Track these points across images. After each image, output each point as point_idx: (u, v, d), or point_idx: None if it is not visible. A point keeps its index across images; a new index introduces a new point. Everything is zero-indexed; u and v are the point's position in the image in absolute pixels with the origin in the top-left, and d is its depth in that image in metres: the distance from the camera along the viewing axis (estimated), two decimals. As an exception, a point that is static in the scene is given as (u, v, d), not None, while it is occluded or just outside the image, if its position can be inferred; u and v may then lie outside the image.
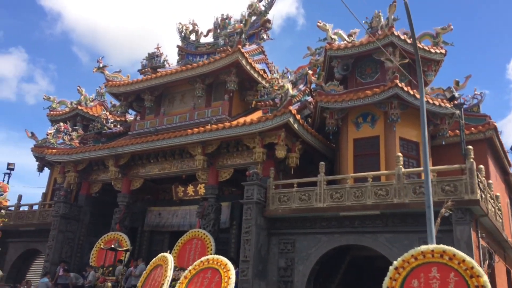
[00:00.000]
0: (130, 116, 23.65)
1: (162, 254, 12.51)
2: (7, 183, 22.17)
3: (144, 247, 20.10)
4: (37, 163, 23.76)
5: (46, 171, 23.98)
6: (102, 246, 16.01)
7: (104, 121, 21.13)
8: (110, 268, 16.12)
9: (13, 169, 23.29)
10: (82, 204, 20.06)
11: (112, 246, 15.17)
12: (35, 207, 22.03)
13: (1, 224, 20.28)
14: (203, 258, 12.02)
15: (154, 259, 12.71)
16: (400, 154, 13.13)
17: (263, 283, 13.95)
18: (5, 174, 21.74)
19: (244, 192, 14.61)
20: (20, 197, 22.28)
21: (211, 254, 15.06)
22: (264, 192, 14.71)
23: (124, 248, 15.56)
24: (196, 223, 18.43)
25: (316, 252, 13.66)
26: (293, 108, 14.98)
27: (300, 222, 14.17)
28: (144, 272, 12.60)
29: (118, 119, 23.16)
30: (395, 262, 8.28)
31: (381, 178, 13.84)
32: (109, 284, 14.68)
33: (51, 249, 18.70)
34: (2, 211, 21.07)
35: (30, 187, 60.83)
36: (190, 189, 19.43)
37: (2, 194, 20.43)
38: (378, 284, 8.65)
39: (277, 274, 14.07)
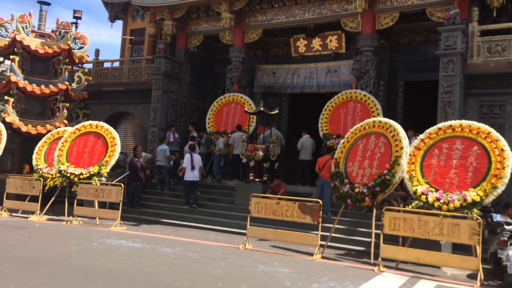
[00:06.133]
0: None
1: (376, 119, 9.73)
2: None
3: (257, 111, 17.38)
4: (108, 11, 19.91)
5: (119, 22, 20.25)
6: (246, 110, 13.16)
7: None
8: (243, 135, 13.49)
9: (80, 18, 19.46)
10: (182, 61, 16.81)
11: (261, 109, 12.33)
12: (116, 64, 18.77)
13: (86, 83, 17.46)
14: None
15: (358, 125, 9.94)
16: None
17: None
18: (72, 24, 17.95)
19: (441, 41, 11.28)
20: (97, 52, 18.89)
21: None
22: (466, 41, 11.40)
23: (275, 112, 12.76)
24: (326, 83, 15.49)
25: (538, 116, 10.88)
26: None
27: (514, 80, 11.13)
28: (344, 140, 9.92)
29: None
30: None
31: None
32: (261, 153, 12.18)
33: (157, 112, 15.97)
34: (85, 67, 18.10)
35: (102, 35, 55.08)
36: (316, 42, 15.91)
37: (82, 47, 17.17)
38: None
39: (477, 143, 11.46)
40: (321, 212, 8.64)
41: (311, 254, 8.70)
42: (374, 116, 12.59)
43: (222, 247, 8.95)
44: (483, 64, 11.22)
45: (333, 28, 14.87)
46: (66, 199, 12.61)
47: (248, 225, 9.31)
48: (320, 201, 8.87)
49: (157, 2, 16.29)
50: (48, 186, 12.80)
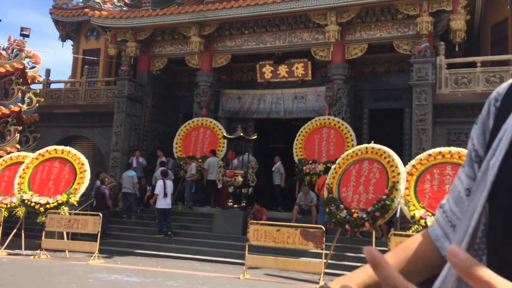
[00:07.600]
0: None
1: (368, 145, 9.99)
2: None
3: (221, 136, 17.18)
4: (59, 30, 18.90)
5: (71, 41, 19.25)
6: (224, 135, 12.94)
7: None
8: (219, 161, 13.25)
9: (28, 36, 18.21)
10: (144, 84, 16.31)
11: (241, 134, 12.21)
12: (68, 85, 17.76)
13: (37, 105, 16.32)
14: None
15: (350, 151, 10.15)
16: None
17: (431, 178, 12.08)
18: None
19: (413, 72, 12.01)
20: (48, 72, 17.74)
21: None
22: (434, 72, 12.21)
23: (253, 137, 12.68)
24: (293, 109, 15.76)
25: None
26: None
27: (478, 109, 12.03)
28: (335, 166, 10.07)
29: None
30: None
31: None
32: (240, 178, 12.00)
33: (119, 136, 15.24)
34: (36, 88, 16.94)
35: (56, 54, 51.21)
36: (283, 69, 16.19)
37: (34, 67, 16.10)
38: None
39: (446, 168, 12.18)
40: (324, 238, 8.62)
41: (311, 282, 8.63)
42: (348, 142, 13.00)
43: (222, 278, 8.59)
44: (451, 95, 12.05)
45: (300, 56, 15.25)
46: (22, 231, 11.56)
47: (246, 254, 9.03)
48: (323, 227, 8.87)
49: (119, 23, 15.75)
50: (2, 217, 11.67)
